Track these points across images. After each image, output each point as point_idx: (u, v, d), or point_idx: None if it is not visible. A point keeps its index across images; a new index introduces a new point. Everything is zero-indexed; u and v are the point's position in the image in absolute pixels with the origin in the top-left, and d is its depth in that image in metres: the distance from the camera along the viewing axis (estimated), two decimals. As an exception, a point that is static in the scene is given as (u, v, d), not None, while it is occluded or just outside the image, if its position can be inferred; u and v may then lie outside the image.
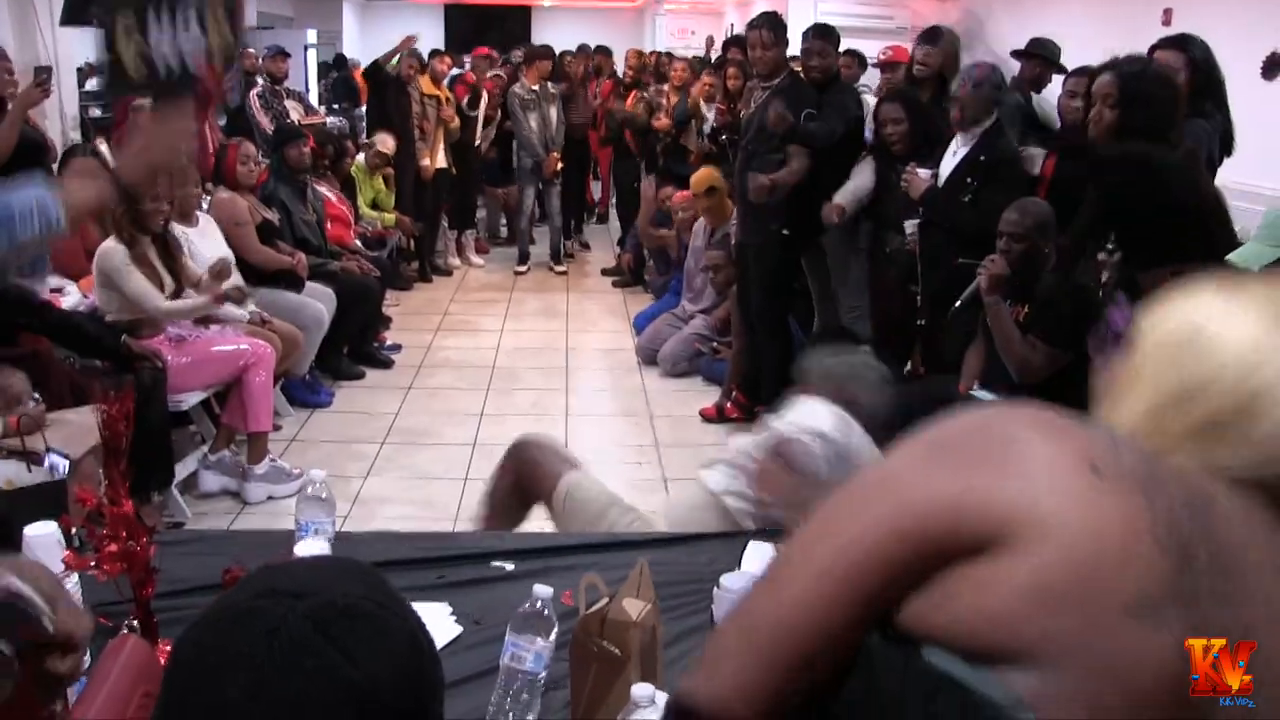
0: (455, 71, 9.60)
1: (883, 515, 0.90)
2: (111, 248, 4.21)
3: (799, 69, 5.32)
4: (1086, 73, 4.82)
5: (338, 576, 0.91)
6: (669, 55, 10.60)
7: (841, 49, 5.75)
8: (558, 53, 9.68)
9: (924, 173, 4.42)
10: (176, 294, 4.39)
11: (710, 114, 8.44)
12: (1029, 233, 3.64)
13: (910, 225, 4.53)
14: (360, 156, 7.78)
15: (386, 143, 7.81)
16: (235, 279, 4.79)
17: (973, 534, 0.85)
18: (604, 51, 10.67)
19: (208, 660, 0.85)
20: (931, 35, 5.33)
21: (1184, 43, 3.87)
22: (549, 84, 8.89)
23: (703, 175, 6.69)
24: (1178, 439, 0.94)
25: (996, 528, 0.84)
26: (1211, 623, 0.81)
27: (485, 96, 8.98)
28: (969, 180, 4.29)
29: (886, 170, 4.92)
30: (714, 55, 10.14)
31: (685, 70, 8.87)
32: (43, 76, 4.84)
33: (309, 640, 0.84)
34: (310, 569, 0.93)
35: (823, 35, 5.27)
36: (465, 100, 8.78)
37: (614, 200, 10.16)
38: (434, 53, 8.78)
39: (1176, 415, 0.95)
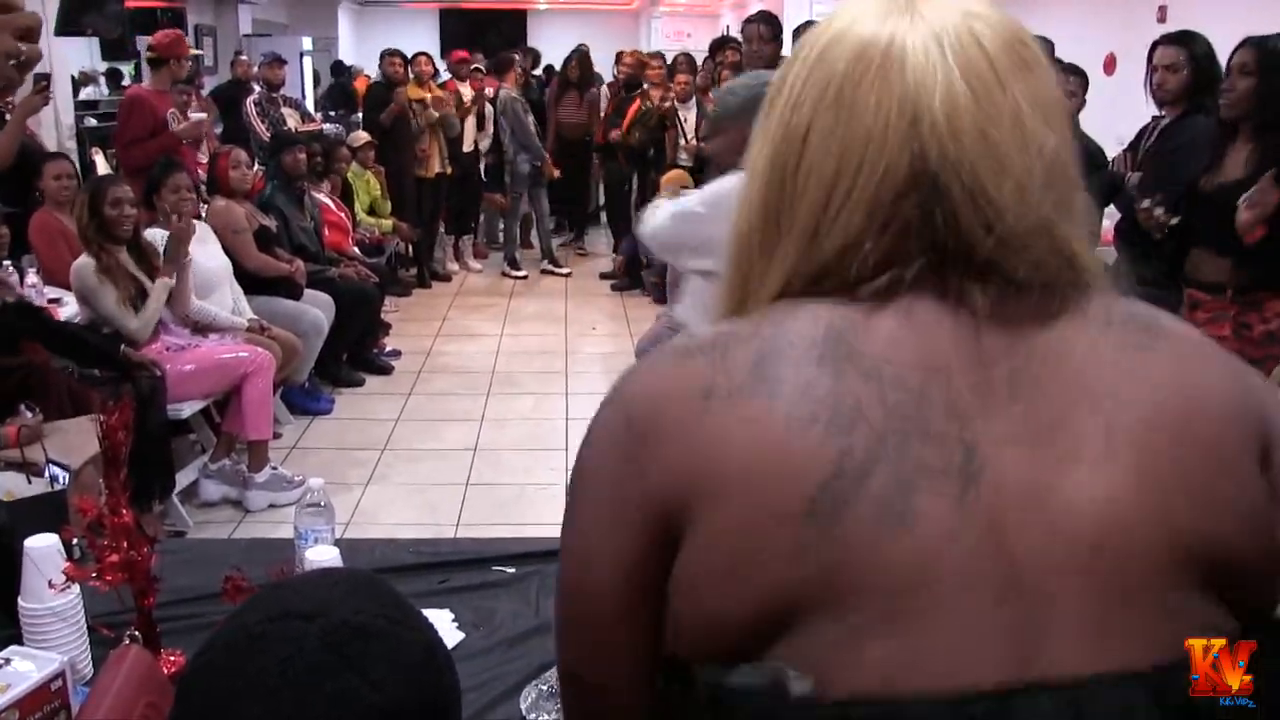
0: (444, 78, 9.65)
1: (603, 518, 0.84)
2: (81, 265, 4.20)
3: None
4: (1068, 70, 4.84)
5: (348, 593, 0.89)
6: (659, 56, 10.60)
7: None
8: (553, 55, 9.72)
9: None
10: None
11: (689, 114, 8.48)
12: None
13: None
14: (354, 163, 7.80)
15: (361, 137, 7.92)
16: (232, 290, 4.79)
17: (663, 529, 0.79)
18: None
19: (221, 691, 0.83)
20: None
21: (1186, 39, 3.89)
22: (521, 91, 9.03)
23: (672, 176, 6.72)
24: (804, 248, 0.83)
25: (668, 516, 0.79)
26: (915, 461, 0.74)
27: (471, 94, 9.01)
28: None
29: None
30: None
31: (661, 68, 8.97)
32: (43, 83, 4.83)
33: (325, 665, 0.82)
34: (318, 586, 0.90)
35: None
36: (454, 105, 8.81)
37: (603, 202, 10.16)
38: (415, 55, 8.75)
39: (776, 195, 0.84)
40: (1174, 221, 3.51)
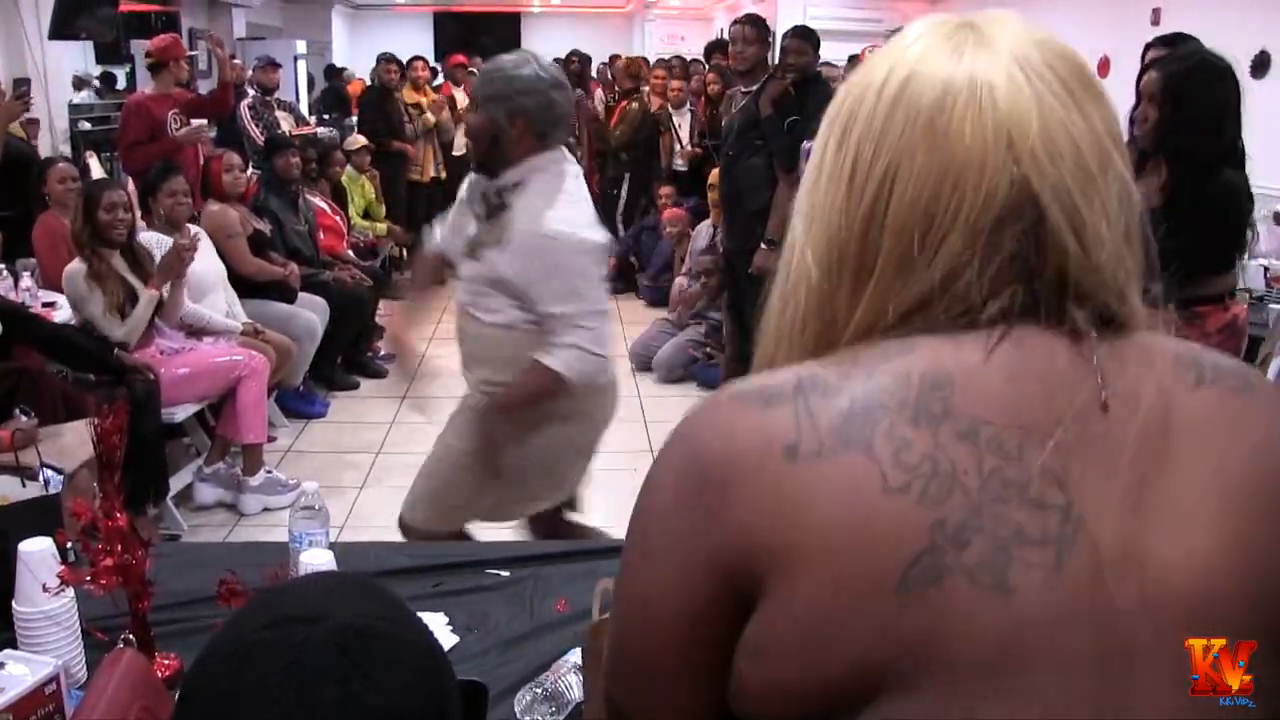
0: (438, 81, 9.64)
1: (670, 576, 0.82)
2: (72, 272, 4.19)
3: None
4: None
5: (347, 596, 0.88)
6: (645, 60, 10.62)
7: (846, 54, 5.77)
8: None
9: None
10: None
11: (684, 119, 8.50)
12: None
13: None
14: (349, 167, 7.79)
15: (357, 140, 7.91)
16: (226, 294, 4.78)
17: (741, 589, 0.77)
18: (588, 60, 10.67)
19: (224, 696, 0.82)
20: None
21: (1178, 42, 3.88)
22: None
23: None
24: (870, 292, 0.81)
25: (739, 575, 0.77)
26: (1013, 527, 0.73)
27: (467, 100, 9.00)
28: None
29: None
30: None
31: (664, 76, 8.94)
32: (22, 89, 4.84)
33: (329, 668, 0.81)
34: (317, 590, 0.89)
35: (801, 36, 5.28)
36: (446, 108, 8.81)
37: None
38: (412, 60, 8.75)
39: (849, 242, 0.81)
40: None
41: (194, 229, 4.70)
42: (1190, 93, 3.11)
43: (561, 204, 2.62)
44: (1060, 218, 0.77)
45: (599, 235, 2.68)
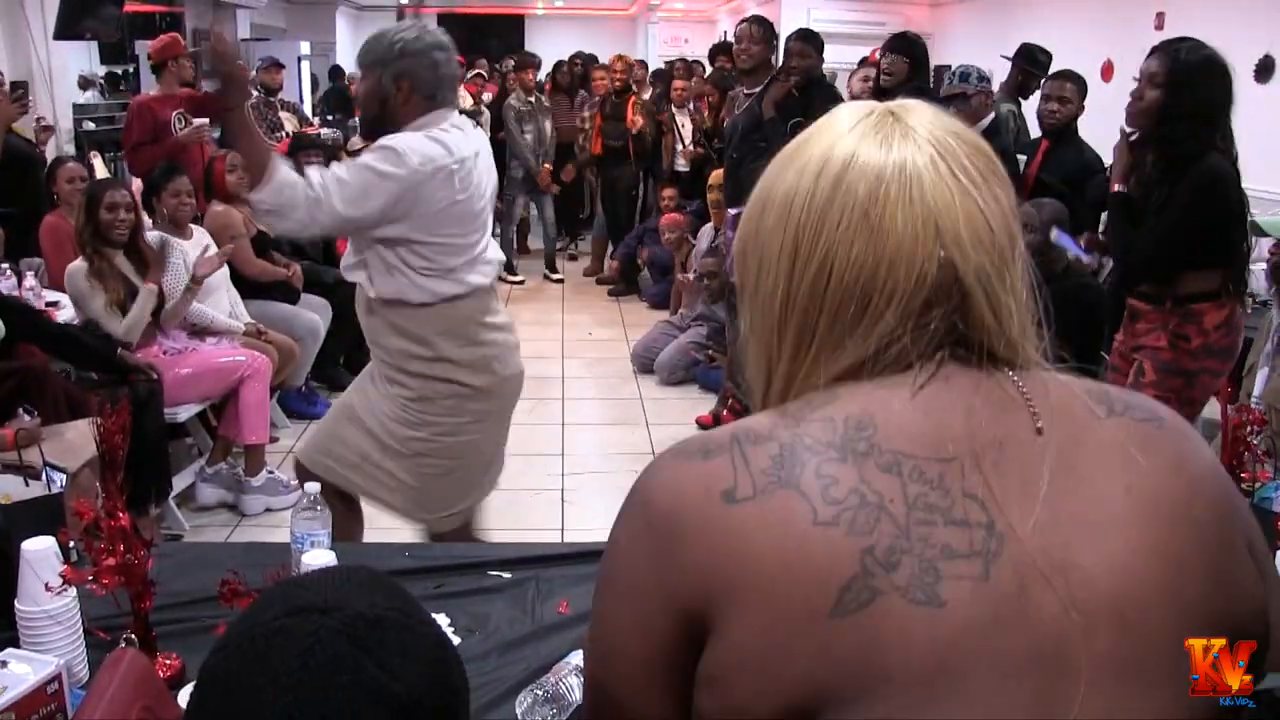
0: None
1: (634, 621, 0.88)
2: (74, 269, 4.21)
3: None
4: (1065, 76, 4.86)
5: (360, 588, 0.90)
6: (643, 63, 10.63)
7: (847, 56, 5.77)
8: (551, 61, 9.69)
9: None
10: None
11: (686, 119, 8.52)
12: (1042, 228, 3.67)
13: None
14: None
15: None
16: (229, 294, 4.78)
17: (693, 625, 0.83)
18: (592, 60, 10.67)
19: (241, 685, 0.83)
20: (898, 44, 5.31)
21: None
22: (542, 96, 8.92)
23: (721, 174, 6.80)
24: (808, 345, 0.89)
25: (693, 615, 0.82)
26: (940, 546, 0.78)
27: (469, 98, 9.01)
28: None
29: None
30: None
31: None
32: (19, 92, 4.85)
33: (345, 655, 0.83)
34: (331, 582, 0.91)
35: (804, 39, 5.29)
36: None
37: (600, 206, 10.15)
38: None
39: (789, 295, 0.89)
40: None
41: (204, 238, 4.72)
42: (1194, 80, 3.13)
43: (417, 133, 2.63)
44: (982, 298, 0.86)
45: (436, 162, 2.62)
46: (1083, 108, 4.87)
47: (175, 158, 5.38)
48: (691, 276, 6.86)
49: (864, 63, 6.77)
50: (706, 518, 0.82)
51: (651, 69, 11.07)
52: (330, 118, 11.08)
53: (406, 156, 2.58)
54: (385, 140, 2.62)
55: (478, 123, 8.82)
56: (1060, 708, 0.76)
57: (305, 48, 13.95)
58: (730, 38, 10.67)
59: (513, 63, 9.80)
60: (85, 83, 10.57)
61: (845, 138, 0.89)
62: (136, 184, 5.50)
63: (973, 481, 0.81)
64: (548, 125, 8.84)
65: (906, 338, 0.85)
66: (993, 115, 4.41)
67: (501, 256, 2.99)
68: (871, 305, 0.85)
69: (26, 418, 3.33)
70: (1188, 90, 3.12)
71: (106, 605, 1.73)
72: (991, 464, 0.81)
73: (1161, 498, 0.83)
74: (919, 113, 0.90)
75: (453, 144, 2.66)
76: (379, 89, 2.68)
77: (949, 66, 5.51)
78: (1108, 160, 4.48)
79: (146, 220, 4.68)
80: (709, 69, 9.78)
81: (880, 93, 5.40)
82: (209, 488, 4.51)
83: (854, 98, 5.68)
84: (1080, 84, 4.86)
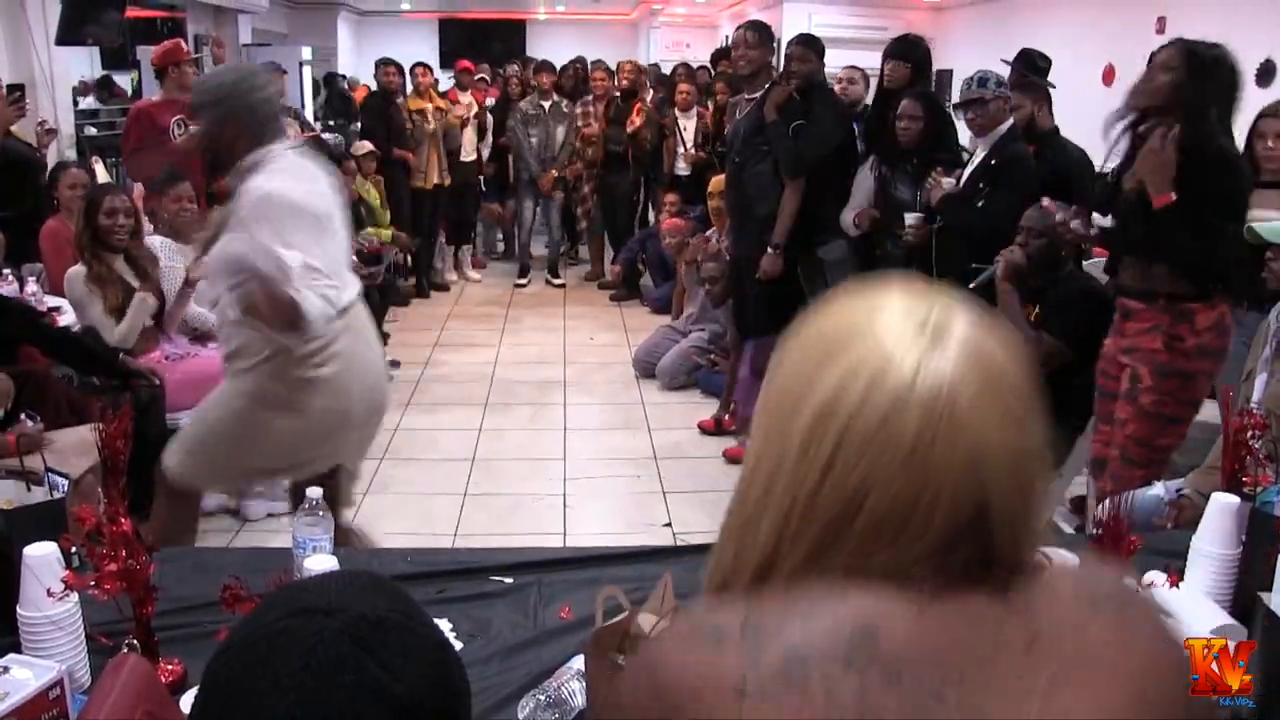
0: (444, 88, 9.66)
1: None
2: (74, 274, 4.22)
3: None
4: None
5: (363, 590, 0.91)
6: (655, 66, 10.64)
7: (850, 62, 5.78)
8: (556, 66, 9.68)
9: (948, 181, 4.44)
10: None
11: (689, 123, 8.52)
12: (1049, 229, 3.69)
13: (911, 218, 4.57)
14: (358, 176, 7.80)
15: (363, 146, 7.92)
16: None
17: None
18: (599, 65, 10.66)
19: (245, 686, 0.84)
20: (899, 49, 5.30)
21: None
22: (561, 101, 8.92)
23: (721, 180, 6.80)
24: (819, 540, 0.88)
25: None
26: None
27: (474, 106, 9.01)
28: (980, 185, 4.32)
29: (887, 175, 4.97)
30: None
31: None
32: (16, 95, 4.85)
33: (348, 657, 0.84)
34: (334, 584, 0.92)
35: (805, 44, 5.30)
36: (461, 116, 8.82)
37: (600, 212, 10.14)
38: (414, 66, 8.76)
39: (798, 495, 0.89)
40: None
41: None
42: (1209, 67, 3.16)
43: (274, 174, 2.81)
44: (1008, 538, 0.87)
45: (315, 200, 2.86)
46: (1051, 116, 4.99)
47: (176, 163, 5.37)
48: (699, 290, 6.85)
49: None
50: (716, 711, 0.84)
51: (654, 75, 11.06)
52: (331, 123, 11.08)
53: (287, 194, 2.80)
54: (263, 189, 2.77)
55: (466, 126, 8.86)
56: None
57: (306, 53, 13.93)
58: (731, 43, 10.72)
59: (518, 66, 9.85)
60: (85, 88, 10.58)
61: (894, 357, 0.86)
62: (137, 189, 5.50)
63: (970, 691, 0.83)
64: (560, 131, 8.84)
65: (929, 567, 0.86)
66: (1011, 121, 4.41)
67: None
68: (900, 540, 0.86)
69: (29, 423, 3.33)
70: (1203, 73, 3.15)
71: (108, 611, 1.73)
72: (990, 674, 0.84)
73: (1136, 699, 0.85)
74: (960, 322, 0.89)
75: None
76: (210, 130, 2.90)
77: (950, 71, 5.52)
78: (1110, 164, 4.49)
79: (147, 225, 4.69)
80: (713, 73, 9.78)
81: (880, 93, 5.41)
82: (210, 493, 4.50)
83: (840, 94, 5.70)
84: (1043, 92, 5.01)
